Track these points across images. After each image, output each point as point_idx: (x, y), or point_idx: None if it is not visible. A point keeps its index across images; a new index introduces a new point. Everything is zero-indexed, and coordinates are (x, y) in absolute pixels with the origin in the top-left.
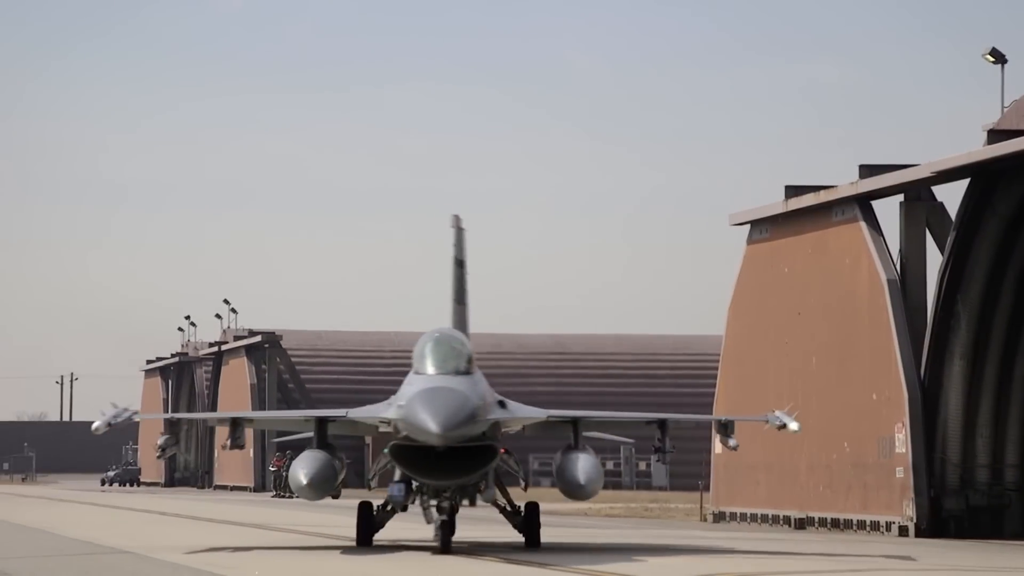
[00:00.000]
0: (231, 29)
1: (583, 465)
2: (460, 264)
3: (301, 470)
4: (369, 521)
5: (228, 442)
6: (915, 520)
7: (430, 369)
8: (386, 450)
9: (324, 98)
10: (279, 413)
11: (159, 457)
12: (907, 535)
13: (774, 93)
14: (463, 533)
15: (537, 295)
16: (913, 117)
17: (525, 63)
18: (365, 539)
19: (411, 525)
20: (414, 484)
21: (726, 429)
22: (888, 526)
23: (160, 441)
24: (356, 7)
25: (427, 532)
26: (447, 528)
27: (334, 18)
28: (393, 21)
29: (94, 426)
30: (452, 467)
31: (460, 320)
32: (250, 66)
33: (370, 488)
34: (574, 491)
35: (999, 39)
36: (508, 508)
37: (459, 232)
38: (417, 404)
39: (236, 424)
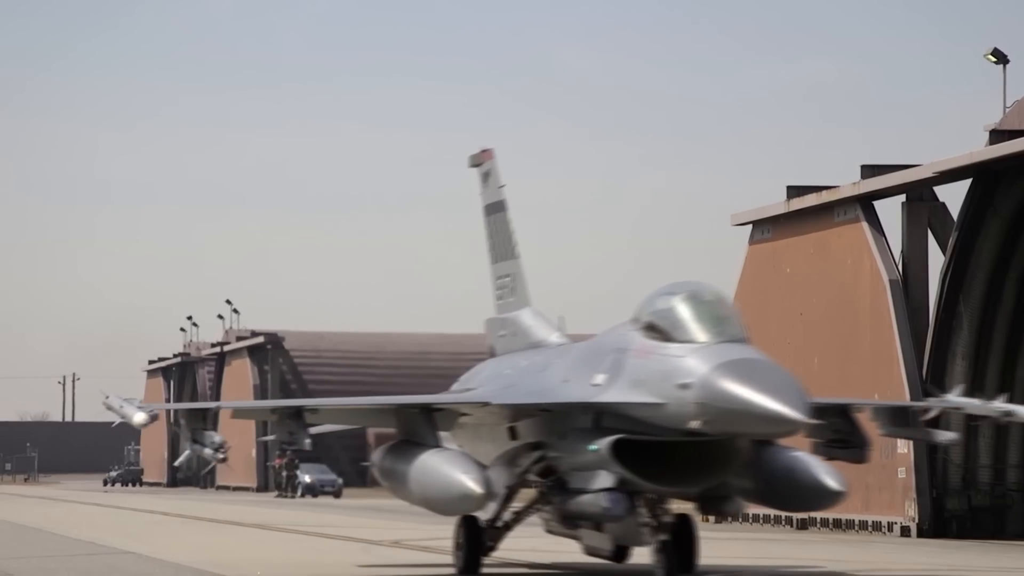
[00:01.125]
0: (229, 28)
1: (823, 465)
2: (501, 207)
3: (464, 475)
4: (477, 540)
5: (284, 440)
6: (917, 520)
7: (702, 335)
8: (595, 446)
9: (323, 97)
10: (362, 400)
11: (222, 460)
12: (909, 535)
13: (776, 93)
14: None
15: (539, 296)
16: (915, 117)
17: (523, 62)
18: (471, 564)
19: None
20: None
21: (912, 417)
22: (890, 526)
23: (217, 439)
24: (350, 5)
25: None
26: (670, 549)
27: (329, 16)
28: (397, 21)
29: (137, 419)
30: (692, 470)
31: (515, 280)
32: (251, 65)
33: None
34: (821, 500)
35: (1001, 39)
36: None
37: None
38: (736, 383)
39: (299, 417)
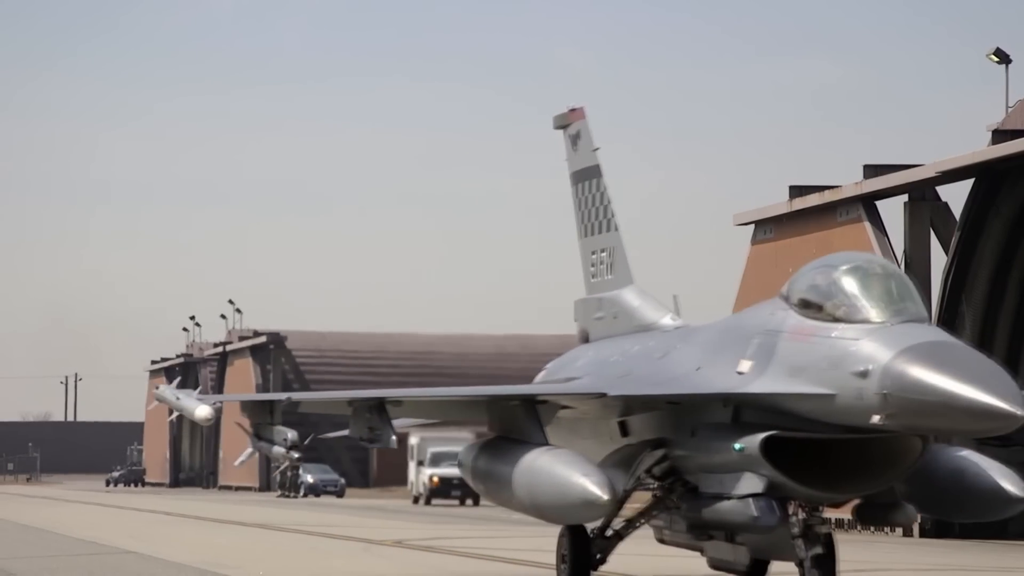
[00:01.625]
0: (231, 28)
1: (997, 466)
2: (593, 173)
3: (584, 477)
4: (585, 552)
5: (364, 437)
6: (919, 520)
7: (877, 314)
8: (740, 445)
9: (324, 97)
10: (453, 391)
11: (298, 460)
12: (911, 535)
13: (778, 92)
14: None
15: (542, 297)
16: (917, 117)
17: (522, 62)
18: None
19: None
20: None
21: None
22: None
23: (290, 436)
24: (349, 6)
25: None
26: (826, 564)
27: (329, 17)
28: (397, 22)
29: (199, 414)
30: (852, 472)
31: (614, 255)
32: (253, 65)
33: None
34: (999, 507)
35: (1004, 39)
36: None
37: (578, 131)
38: (931, 370)
39: (381, 410)
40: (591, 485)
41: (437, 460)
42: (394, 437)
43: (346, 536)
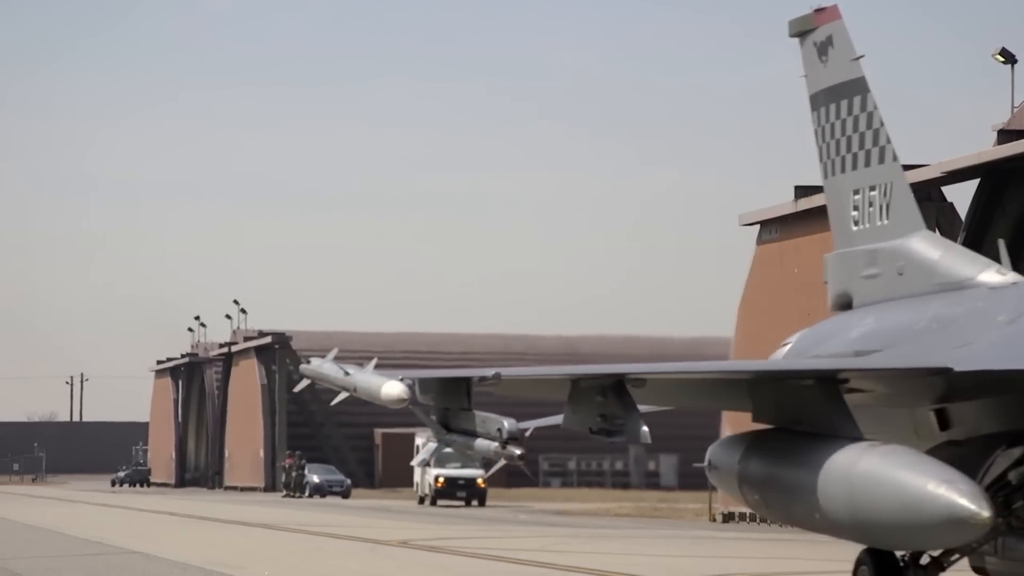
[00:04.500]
0: (233, 26)
1: None
2: (855, 88)
3: (948, 487)
4: None
5: (594, 428)
6: None
7: None
8: None
9: (327, 97)
10: (719, 366)
11: (520, 459)
12: None
13: (783, 92)
14: None
15: (547, 297)
16: (923, 117)
17: (527, 62)
18: None
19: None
20: None
21: None
22: None
23: (506, 424)
24: (348, 7)
25: None
26: None
27: (329, 17)
28: (399, 22)
29: (388, 392)
30: None
31: (891, 193)
32: (255, 65)
33: None
34: None
35: (1009, 39)
36: None
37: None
38: None
39: (621, 391)
40: (961, 498)
41: (443, 460)
42: (645, 428)
43: (352, 536)
